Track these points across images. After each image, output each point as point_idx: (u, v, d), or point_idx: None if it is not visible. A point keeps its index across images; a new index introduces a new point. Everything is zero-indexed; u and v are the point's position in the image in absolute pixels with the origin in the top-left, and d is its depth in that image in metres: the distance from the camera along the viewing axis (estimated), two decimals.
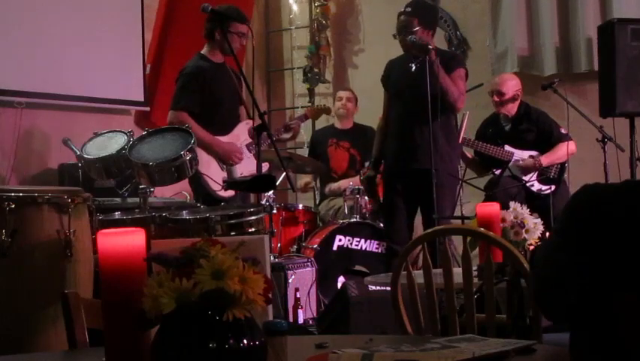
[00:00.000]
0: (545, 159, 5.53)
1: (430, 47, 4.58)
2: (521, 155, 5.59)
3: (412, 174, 4.79)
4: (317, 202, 6.45)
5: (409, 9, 4.79)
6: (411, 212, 4.88)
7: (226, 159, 4.83)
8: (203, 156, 4.53)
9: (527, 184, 5.54)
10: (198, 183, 4.76)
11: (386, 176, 4.98)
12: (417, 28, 4.75)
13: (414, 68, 4.80)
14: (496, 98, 5.64)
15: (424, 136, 4.70)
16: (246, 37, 4.87)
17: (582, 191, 1.53)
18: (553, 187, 5.53)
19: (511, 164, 5.59)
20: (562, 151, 5.53)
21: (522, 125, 5.65)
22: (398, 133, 4.87)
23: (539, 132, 5.61)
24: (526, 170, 5.56)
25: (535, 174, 5.57)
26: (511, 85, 5.67)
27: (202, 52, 4.95)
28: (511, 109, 5.65)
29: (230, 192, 4.77)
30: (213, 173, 4.73)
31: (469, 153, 5.74)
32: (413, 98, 4.76)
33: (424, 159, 4.69)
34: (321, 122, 6.97)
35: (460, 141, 5.46)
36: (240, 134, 4.98)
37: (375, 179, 5.09)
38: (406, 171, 4.82)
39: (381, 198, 5.18)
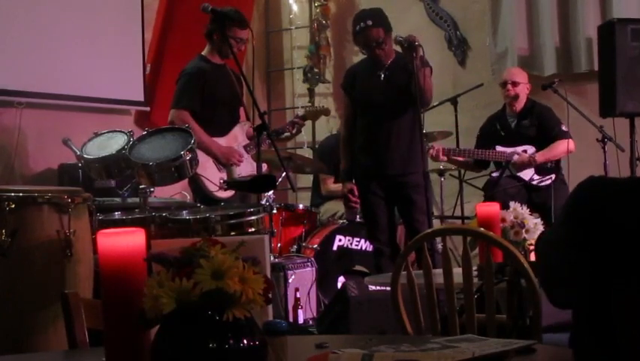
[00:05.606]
0: (541, 157, 5.53)
1: (417, 43, 4.57)
2: (516, 150, 5.59)
3: (389, 178, 4.85)
4: (311, 199, 6.43)
5: (370, 22, 4.77)
6: (391, 213, 4.94)
7: (225, 162, 4.84)
8: (200, 157, 4.54)
9: (527, 179, 5.56)
10: (196, 184, 4.78)
11: (362, 181, 4.99)
12: (384, 37, 4.77)
13: (383, 76, 4.83)
14: (509, 88, 5.64)
15: (398, 141, 4.82)
16: (245, 44, 4.86)
17: (587, 185, 1.52)
18: (553, 176, 5.53)
19: (512, 160, 5.59)
20: (558, 149, 5.52)
21: (525, 120, 5.66)
22: (371, 140, 4.89)
23: (540, 127, 5.62)
24: (521, 166, 5.56)
25: (532, 171, 5.57)
26: (523, 77, 5.71)
27: (203, 53, 4.96)
28: (520, 103, 5.65)
29: (228, 193, 4.77)
30: (210, 174, 4.73)
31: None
32: (385, 106, 4.80)
33: (401, 163, 4.82)
34: (321, 123, 6.96)
35: (442, 154, 5.51)
36: (238, 136, 4.99)
37: (354, 191, 5.08)
38: (384, 175, 4.87)
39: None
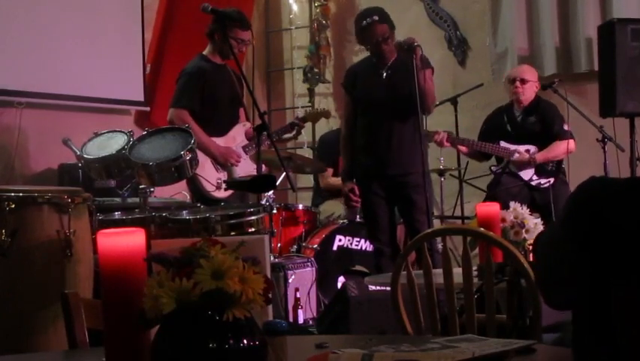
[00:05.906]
0: (540, 157, 5.53)
1: (416, 44, 4.57)
2: (518, 148, 5.59)
3: (390, 178, 4.86)
4: (312, 198, 6.44)
5: (376, 17, 4.78)
6: (391, 213, 4.95)
7: (223, 162, 4.84)
8: (198, 157, 4.54)
9: (526, 179, 5.56)
10: (194, 184, 4.78)
11: (363, 180, 4.99)
12: (389, 33, 4.78)
13: (385, 75, 4.83)
14: (518, 85, 5.63)
15: (399, 141, 4.83)
16: (246, 44, 4.85)
17: (587, 186, 1.52)
18: (552, 180, 5.53)
19: (512, 159, 5.59)
20: (559, 149, 5.52)
21: (531, 116, 5.66)
22: (371, 140, 4.89)
23: (543, 124, 5.62)
24: (521, 165, 5.56)
25: (533, 170, 5.57)
26: (533, 75, 5.70)
27: (204, 52, 4.96)
28: (526, 100, 5.65)
29: (225, 193, 4.78)
30: (207, 174, 4.73)
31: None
32: (387, 105, 4.80)
33: (401, 163, 4.82)
34: (322, 124, 6.96)
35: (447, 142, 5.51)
36: (237, 136, 4.99)
37: (354, 190, 5.07)
38: (385, 175, 4.87)
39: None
